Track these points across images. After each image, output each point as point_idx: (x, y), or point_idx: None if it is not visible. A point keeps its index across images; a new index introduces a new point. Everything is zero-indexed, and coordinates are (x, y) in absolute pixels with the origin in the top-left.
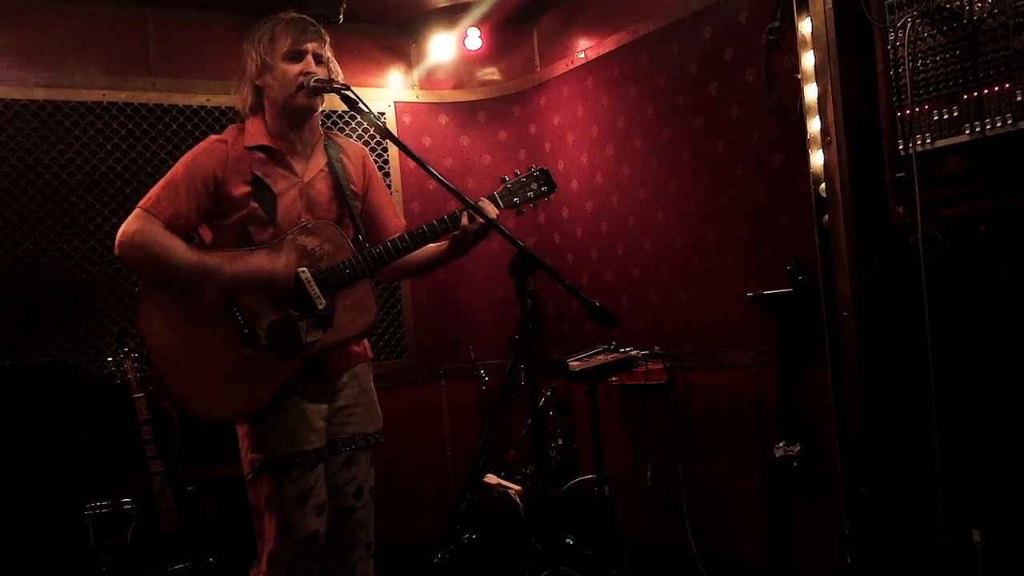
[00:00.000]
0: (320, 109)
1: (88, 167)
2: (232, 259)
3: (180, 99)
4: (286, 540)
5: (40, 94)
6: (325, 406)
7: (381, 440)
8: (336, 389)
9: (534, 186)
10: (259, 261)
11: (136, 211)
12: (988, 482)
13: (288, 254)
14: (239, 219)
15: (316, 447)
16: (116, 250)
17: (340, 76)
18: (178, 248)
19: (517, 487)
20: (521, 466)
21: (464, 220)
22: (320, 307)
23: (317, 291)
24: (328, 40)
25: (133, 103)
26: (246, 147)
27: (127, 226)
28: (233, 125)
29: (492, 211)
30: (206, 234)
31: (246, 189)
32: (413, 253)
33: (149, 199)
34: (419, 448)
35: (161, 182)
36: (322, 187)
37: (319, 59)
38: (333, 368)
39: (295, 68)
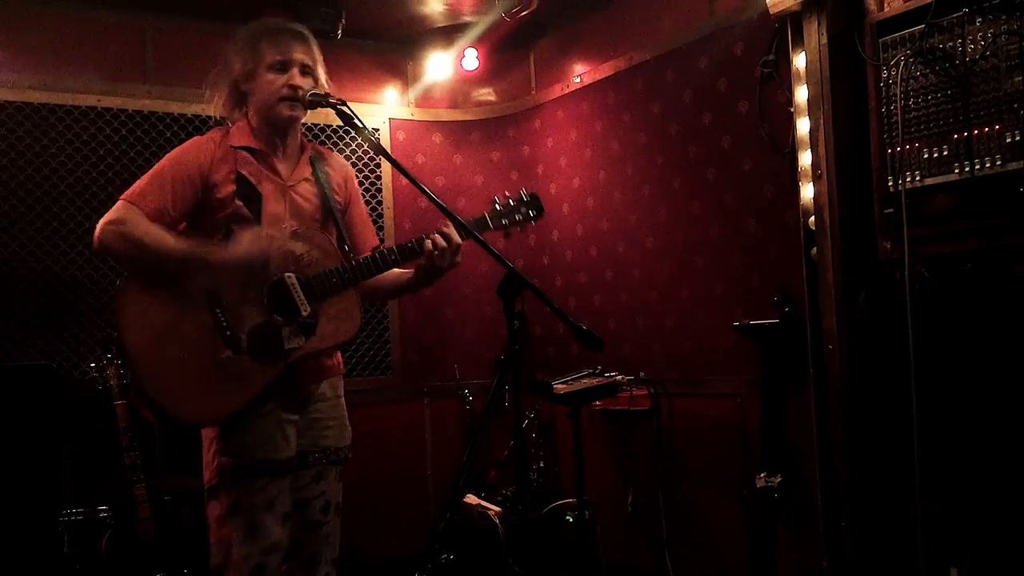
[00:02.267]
0: (303, 119)
1: (80, 171)
2: (219, 247)
3: (176, 107)
4: (250, 548)
5: (35, 96)
6: (297, 416)
7: (349, 456)
8: (310, 400)
9: (523, 210)
10: (243, 246)
11: (119, 203)
12: (968, 519)
13: (273, 271)
14: (223, 218)
15: (288, 456)
16: (96, 241)
17: (328, 85)
18: (164, 235)
19: (497, 508)
20: (502, 487)
21: (427, 245)
22: (304, 314)
23: (303, 297)
24: (316, 47)
25: (128, 109)
26: (232, 146)
27: (109, 216)
28: (219, 127)
29: (456, 239)
30: (189, 235)
31: (231, 188)
32: (384, 277)
33: (133, 191)
34: (400, 465)
35: (146, 176)
36: (307, 193)
37: (306, 70)
38: (307, 379)
39: (280, 80)
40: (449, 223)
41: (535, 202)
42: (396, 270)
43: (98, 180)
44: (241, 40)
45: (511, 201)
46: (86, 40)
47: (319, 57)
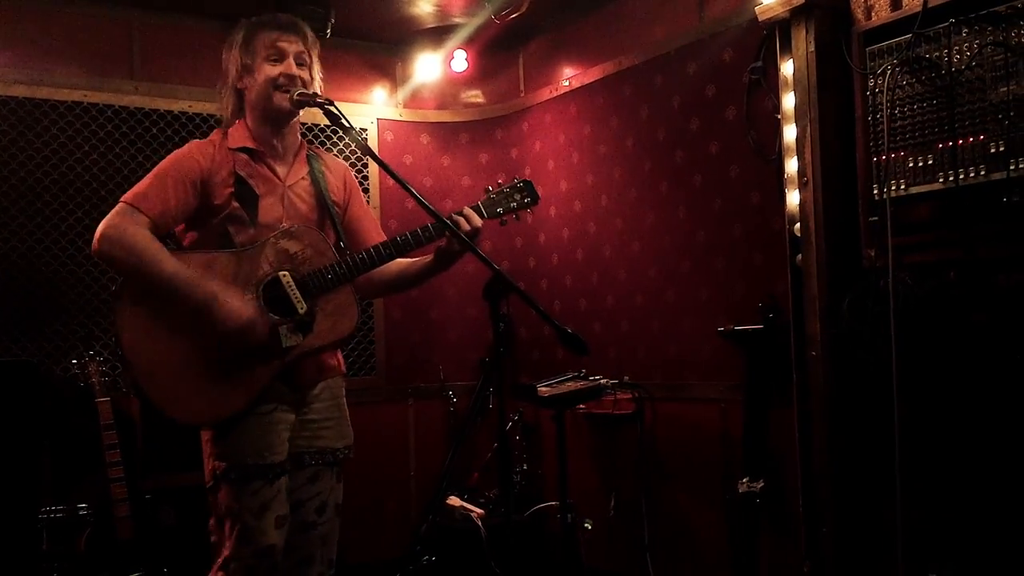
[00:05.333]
0: (299, 115)
1: (64, 167)
2: (206, 278)
3: (162, 104)
4: (243, 550)
5: (20, 91)
6: (293, 416)
7: (351, 456)
8: (307, 400)
9: (517, 197)
10: (234, 300)
11: (120, 205)
12: (948, 527)
13: (268, 271)
14: (220, 219)
15: (281, 459)
16: (95, 245)
17: (319, 81)
18: (157, 253)
19: (480, 510)
20: (485, 489)
21: (462, 222)
22: (301, 311)
23: (298, 295)
24: (311, 39)
25: (114, 105)
26: (229, 148)
27: (110, 220)
28: (217, 129)
29: (477, 220)
30: (186, 235)
31: (229, 190)
32: (395, 268)
33: (135, 194)
34: (383, 466)
35: (147, 178)
36: (303, 193)
37: (301, 61)
38: (306, 378)
39: (275, 70)
40: (465, 208)
41: (529, 188)
42: (410, 259)
43: (83, 176)
44: (236, 37)
45: (504, 188)
46: (72, 35)
47: (315, 51)
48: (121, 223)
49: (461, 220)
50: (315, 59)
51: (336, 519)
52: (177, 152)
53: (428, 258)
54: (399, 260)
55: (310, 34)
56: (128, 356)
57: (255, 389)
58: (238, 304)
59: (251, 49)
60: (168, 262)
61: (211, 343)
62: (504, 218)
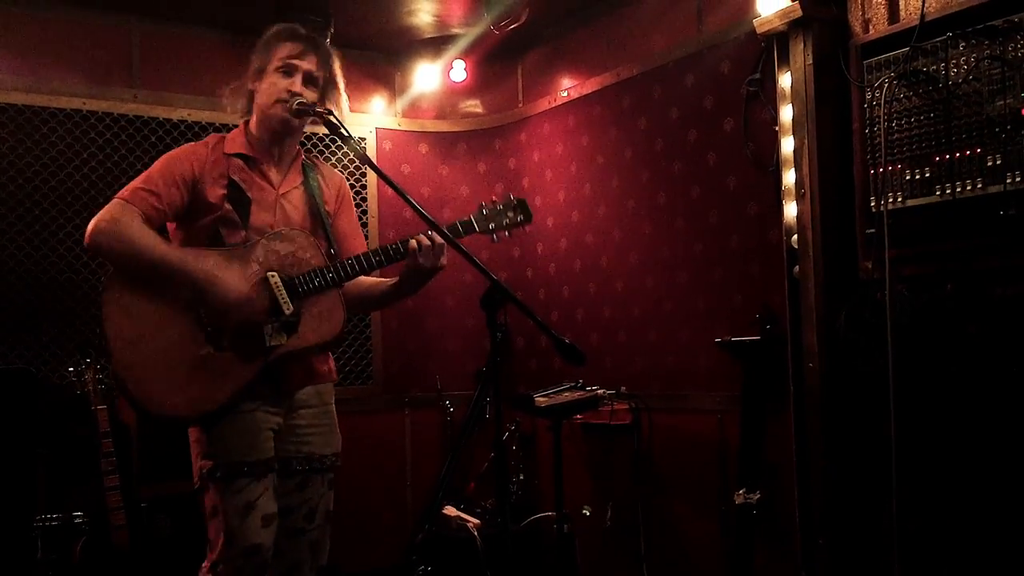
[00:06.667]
0: (301, 127)
1: (63, 174)
2: (202, 259)
3: (162, 112)
4: (229, 551)
5: (19, 98)
6: (280, 419)
7: (339, 463)
8: (295, 405)
9: (510, 214)
10: (231, 277)
11: (113, 201)
12: (944, 537)
13: (257, 270)
14: (212, 221)
15: (267, 457)
16: (87, 237)
17: (339, 100)
18: (152, 238)
19: (476, 520)
20: (481, 499)
21: (412, 244)
22: (287, 312)
23: (285, 296)
24: (332, 61)
25: (113, 113)
26: (225, 153)
27: (102, 214)
28: (214, 133)
29: (438, 237)
30: (178, 235)
31: (221, 192)
32: (368, 285)
33: (127, 190)
34: (379, 476)
35: (140, 177)
36: (296, 201)
37: (310, 79)
38: (293, 381)
39: (282, 82)
40: (450, 224)
41: (522, 207)
42: (378, 279)
43: (81, 184)
44: (262, 40)
45: (498, 205)
46: (72, 42)
47: (335, 72)
48: (114, 215)
49: (422, 238)
50: (333, 82)
51: (327, 526)
52: (169, 153)
53: (393, 280)
54: (364, 279)
55: (333, 58)
56: (112, 348)
57: (236, 387)
58: (235, 281)
59: (268, 55)
60: (161, 245)
61: (198, 336)
62: (496, 235)
